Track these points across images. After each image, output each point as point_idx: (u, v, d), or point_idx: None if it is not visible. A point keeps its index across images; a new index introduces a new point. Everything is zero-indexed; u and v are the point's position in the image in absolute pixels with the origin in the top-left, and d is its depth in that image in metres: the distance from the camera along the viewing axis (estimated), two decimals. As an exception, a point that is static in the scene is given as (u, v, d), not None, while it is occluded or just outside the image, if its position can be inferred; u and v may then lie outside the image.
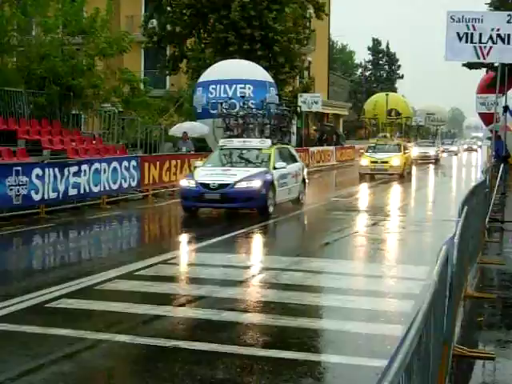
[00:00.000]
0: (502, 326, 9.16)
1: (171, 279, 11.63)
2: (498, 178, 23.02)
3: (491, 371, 7.48)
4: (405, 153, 38.19)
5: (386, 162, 36.71)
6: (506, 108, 25.05)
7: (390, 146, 39.29)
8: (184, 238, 17.05)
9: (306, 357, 7.62)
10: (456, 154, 78.85)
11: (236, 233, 16.71)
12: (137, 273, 11.84)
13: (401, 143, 40.08)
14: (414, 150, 55.04)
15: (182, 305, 9.85)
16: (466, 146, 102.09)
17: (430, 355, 4.57)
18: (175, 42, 46.02)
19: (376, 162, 36.90)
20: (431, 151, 57.43)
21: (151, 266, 12.45)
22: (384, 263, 13.50)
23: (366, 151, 39.11)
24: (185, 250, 15.01)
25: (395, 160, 36.76)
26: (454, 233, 7.18)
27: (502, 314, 9.85)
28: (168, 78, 51.85)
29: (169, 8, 45.56)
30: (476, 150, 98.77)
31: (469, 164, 59.62)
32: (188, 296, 10.34)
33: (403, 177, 36.59)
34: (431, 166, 51.03)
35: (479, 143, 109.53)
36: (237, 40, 41.38)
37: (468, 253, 9.95)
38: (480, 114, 49.21)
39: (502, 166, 23.45)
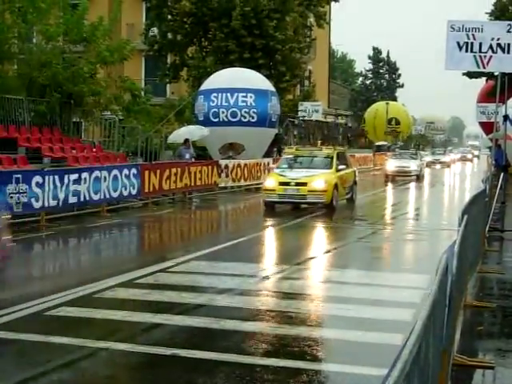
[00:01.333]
0: (501, 335, 9.16)
1: (170, 287, 11.62)
2: (498, 187, 23.03)
3: (491, 380, 7.48)
4: (338, 170, 24.56)
5: (304, 185, 23.18)
6: (506, 117, 25.08)
7: (316, 158, 25.41)
8: (182, 246, 17.02)
9: (305, 365, 7.61)
10: (448, 166, 68.13)
11: None
12: (136, 281, 11.84)
13: (332, 154, 25.30)
14: (390, 164, 45.83)
15: (181, 313, 9.84)
16: (459, 156, 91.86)
17: (429, 364, 4.57)
18: (176, 50, 46.13)
19: (287, 184, 23.33)
20: (412, 165, 45.08)
21: (150, 274, 12.44)
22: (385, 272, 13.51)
23: (278, 166, 25.81)
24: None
25: (318, 182, 23.23)
26: (453, 241, 7.19)
27: (501, 323, 9.84)
28: (168, 85, 51.94)
29: (170, 16, 45.70)
30: (471, 160, 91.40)
31: (461, 180, 49.95)
32: (188, 304, 10.33)
33: (333, 208, 23.56)
34: (411, 186, 40.12)
35: (475, 152, 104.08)
36: (237, 48, 41.49)
37: (468, 262, 9.95)
38: (480, 122, 49.27)
39: (501, 175, 23.46)
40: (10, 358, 7.98)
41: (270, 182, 24.20)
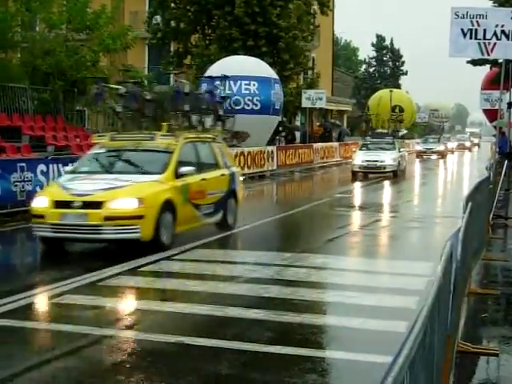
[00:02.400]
0: (505, 322, 9.16)
1: (174, 275, 11.63)
2: (502, 175, 23.00)
3: (495, 367, 7.48)
4: (181, 174, 14.45)
5: (96, 206, 13.03)
6: (510, 104, 25.01)
7: (145, 154, 14.90)
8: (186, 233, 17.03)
9: (309, 353, 7.62)
10: (443, 157, 57.32)
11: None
12: (141, 269, 11.85)
13: (174, 147, 14.81)
14: (357, 157, 35.21)
15: (186, 301, 9.85)
16: (456, 144, 79.56)
17: (434, 351, 4.57)
18: (179, 39, 46.05)
19: (67, 206, 13.15)
20: (386, 158, 34.57)
21: (154, 262, 12.45)
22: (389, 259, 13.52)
23: (73, 170, 15.18)
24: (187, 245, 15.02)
25: (123, 201, 13.18)
26: (458, 228, 7.19)
27: (505, 310, 9.85)
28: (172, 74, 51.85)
29: (173, 4, 45.61)
30: (469, 149, 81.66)
31: (457, 176, 41.04)
32: (192, 292, 10.34)
33: (159, 247, 13.40)
34: (385, 185, 31.48)
35: (475, 140, 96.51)
36: (241, 36, 41.39)
37: (472, 249, 9.95)
38: (484, 110, 49.11)
39: (505, 162, 23.43)
40: (15, 345, 8.00)
41: (40, 200, 13.68)
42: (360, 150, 36.70)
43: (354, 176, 34.09)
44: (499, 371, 7.41)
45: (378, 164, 34.39)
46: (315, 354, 7.64)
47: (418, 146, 59.99)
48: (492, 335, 8.51)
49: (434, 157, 56.34)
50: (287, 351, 7.63)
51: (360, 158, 35.07)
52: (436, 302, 4.49)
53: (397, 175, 34.35)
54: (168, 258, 12.77)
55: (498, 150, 25.02)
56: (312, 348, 7.84)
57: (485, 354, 7.59)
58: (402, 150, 37.31)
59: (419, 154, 57.06)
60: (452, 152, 68.80)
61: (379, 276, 11.62)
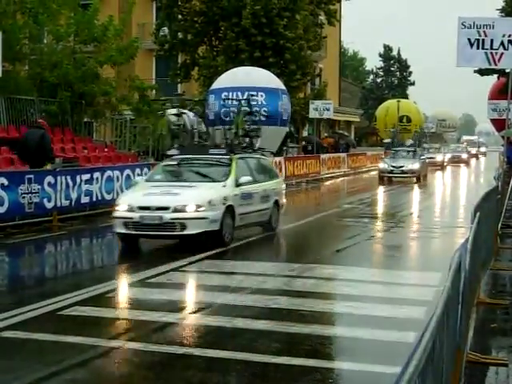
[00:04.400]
0: (515, 332, 9.13)
1: (183, 286, 11.62)
2: (511, 184, 22.95)
3: (504, 377, 7.45)
4: None
5: None
6: (517, 114, 24.99)
7: None
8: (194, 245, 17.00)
9: (318, 364, 7.60)
10: (418, 179, 38.77)
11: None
12: (149, 280, 11.85)
13: None
14: (125, 199, 15.64)
15: (194, 312, 9.85)
16: (449, 156, 62.76)
17: (443, 361, 4.56)
18: (187, 50, 46.16)
19: None
20: (190, 200, 14.75)
21: (163, 273, 12.45)
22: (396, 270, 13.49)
23: None
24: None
25: None
26: (466, 238, 7.17)
27: (515, 320, 9.80)
28: (179, 85, 51.96)
29: (180, 16, 45.74)
30: (467, 162, 66.19)
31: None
32: (200, 303, 10.34)
33: None
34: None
35: (473, 151, 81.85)
36: (248, 47, 41.47)
37: (481, 259, 9.92)
38: (492, 120, 49.11)
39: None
40: (23, 357, 8.00)
41: None
42: (147, 181, 16.76)
43: (121, 240, 15.63)
44: (509, 381, 7.38)
45: (167, 217, 14.65)
46: (324, 365, 7.62)
47: (382, 164, 41.60)
48: (501, 345, 8.48)
49: (417, 182, 38.64)
50: (296, 362, 7.61)
51: (131, 199, 15.55)
52: (444, 312, 4.48)
53: (225, 242, 15.30)
54: (176, 270, 12.77)
55: (506, 159, 25.01)
56: (321, 359, 7.82)
57: (494, 365, 7.57)
58: (245, 180, 16.42)
59: (383, 176, 39.67)
60: (442, 167, 53.88)
61: (387, 286, 11.58)
